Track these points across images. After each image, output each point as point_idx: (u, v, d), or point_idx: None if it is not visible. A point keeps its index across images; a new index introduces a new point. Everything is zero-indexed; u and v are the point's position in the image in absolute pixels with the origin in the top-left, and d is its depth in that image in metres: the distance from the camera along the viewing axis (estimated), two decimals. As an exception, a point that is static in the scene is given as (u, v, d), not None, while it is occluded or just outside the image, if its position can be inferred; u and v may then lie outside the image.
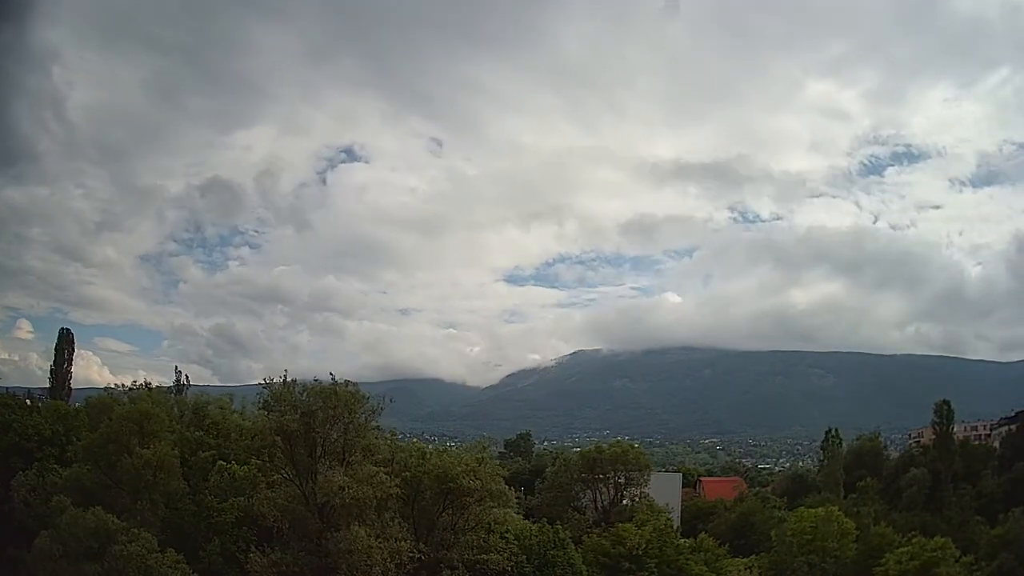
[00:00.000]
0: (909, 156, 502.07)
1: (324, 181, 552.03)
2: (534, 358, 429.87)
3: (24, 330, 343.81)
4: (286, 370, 33.44)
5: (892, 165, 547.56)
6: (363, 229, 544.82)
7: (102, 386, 49.33)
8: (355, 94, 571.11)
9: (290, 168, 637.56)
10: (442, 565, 32.62)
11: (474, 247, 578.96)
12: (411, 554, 30.67)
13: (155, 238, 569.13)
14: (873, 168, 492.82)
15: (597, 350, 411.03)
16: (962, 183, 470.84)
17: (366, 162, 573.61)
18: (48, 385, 66.84)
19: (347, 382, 32.59)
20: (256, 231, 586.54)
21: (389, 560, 29.41)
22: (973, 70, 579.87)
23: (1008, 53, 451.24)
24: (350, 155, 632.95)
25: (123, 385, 40.85)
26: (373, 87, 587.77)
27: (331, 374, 33.27)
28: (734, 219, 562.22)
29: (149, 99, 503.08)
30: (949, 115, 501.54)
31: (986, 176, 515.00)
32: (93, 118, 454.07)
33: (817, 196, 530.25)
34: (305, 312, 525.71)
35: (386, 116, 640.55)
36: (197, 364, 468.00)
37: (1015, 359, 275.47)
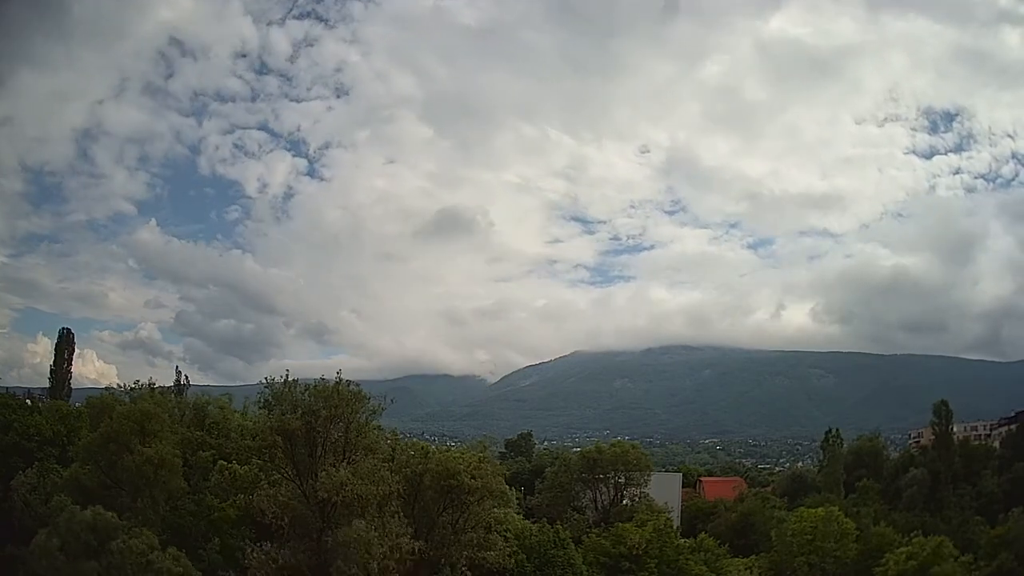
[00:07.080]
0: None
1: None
2: (534, 358, 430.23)
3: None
4: (287, 370, 33.57)
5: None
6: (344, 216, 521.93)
7: (101, 386, 49.43)
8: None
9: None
10: (443, 562, 32.67)
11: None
12: (411, 548, 30.67)
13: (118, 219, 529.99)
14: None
15: (597, 350, 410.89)
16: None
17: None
18: (48, 385, 66.88)
19: (348, 381, 32.59)
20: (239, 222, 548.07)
21: (389, 555, 29.40)
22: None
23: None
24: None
25: (124, 385, 41.03)
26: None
27: (339, 374, 33.18)
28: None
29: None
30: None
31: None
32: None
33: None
34: (296, 309, 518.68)
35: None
36: (179, 360, 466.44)
37: (1015, 359, 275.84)
